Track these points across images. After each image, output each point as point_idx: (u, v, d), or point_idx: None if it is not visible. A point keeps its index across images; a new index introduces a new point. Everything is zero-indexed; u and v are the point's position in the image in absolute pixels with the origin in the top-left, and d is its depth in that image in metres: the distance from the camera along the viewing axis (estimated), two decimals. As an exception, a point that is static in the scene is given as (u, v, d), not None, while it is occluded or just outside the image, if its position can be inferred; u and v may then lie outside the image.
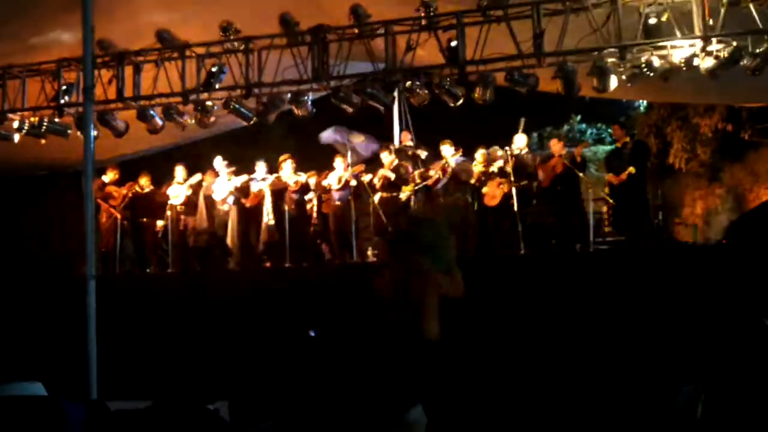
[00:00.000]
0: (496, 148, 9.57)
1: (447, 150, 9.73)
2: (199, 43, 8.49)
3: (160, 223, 10.41)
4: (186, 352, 7.78)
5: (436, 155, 10.03)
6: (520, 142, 9.67)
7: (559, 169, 9.32)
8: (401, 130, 11.13)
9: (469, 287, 7.16)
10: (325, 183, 9.92)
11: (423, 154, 10.26)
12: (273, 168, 10.28)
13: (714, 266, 6.77)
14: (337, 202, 9.86)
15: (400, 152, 10.36)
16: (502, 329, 7.04)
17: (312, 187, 10.11)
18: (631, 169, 9.00)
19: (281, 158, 10.19)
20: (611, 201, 9.42)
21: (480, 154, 9.81)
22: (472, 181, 9.66)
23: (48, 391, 2.30)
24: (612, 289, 7.12)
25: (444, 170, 9.61)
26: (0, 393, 2.16)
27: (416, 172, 9.95)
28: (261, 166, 10.30)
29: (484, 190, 9.53)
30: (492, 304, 7.11)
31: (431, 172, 9.81)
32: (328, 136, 10.72)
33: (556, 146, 9.71)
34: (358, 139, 10.58)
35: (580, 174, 9.30)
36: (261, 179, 10.20)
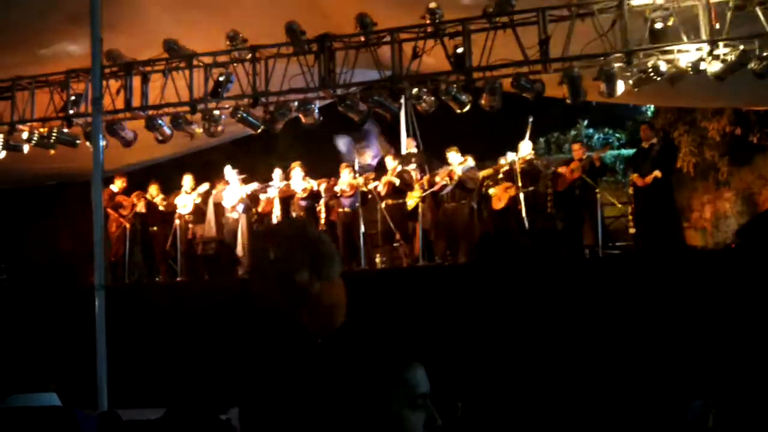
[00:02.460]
0: (514, 154, 9.56)
1: (454, 157, 9.71)
2: (207, 52, 8.53)
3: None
4: (195, 360, 7.78)
5: (443, 162, 10.02)
6: (526, 148, 9.65)
7: (577, 174, 9.30)
8: (408, 137, 11.14)
9: (473, 291, 7.13)
10: (337, 188, 9.92)
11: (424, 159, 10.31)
12: (286, 175, 10.33)
13: (724, 272, 6.72)
14: (346, 209, 9.87)
15: (405, 158, 10.36)
16: (506, 334, 7.00)
17: (322, 193, 10.12)
18: (657, 173, 8.84)
19: (292, 165, 10.23)
20: (619, 205, 9.33)
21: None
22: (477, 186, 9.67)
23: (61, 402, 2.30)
24: (620, 296, 7.07)
25: (450, 177, 9.61)
26: (14, 403, 2.17)
27: (424, 179, 9.94)
28: (277, 173, 10.35)
29: (492, 191, 9.50)
30: (497, 309, 7.08)
31: (437, 179, 9.81)
32: (341, 144, 10.75)
33: (577, 151, 9.69)
34: (364, 160, 10.66)
35: (591, 182, 9.22)
36: (276, 187, 10.24)
